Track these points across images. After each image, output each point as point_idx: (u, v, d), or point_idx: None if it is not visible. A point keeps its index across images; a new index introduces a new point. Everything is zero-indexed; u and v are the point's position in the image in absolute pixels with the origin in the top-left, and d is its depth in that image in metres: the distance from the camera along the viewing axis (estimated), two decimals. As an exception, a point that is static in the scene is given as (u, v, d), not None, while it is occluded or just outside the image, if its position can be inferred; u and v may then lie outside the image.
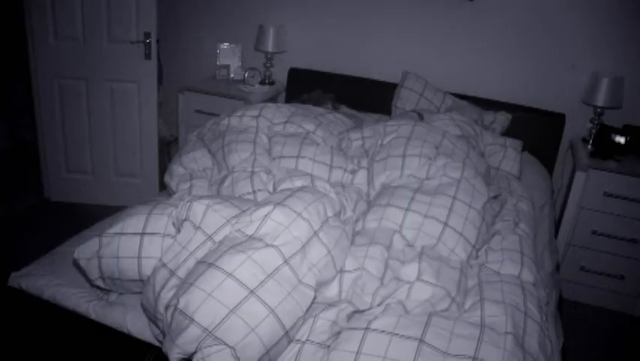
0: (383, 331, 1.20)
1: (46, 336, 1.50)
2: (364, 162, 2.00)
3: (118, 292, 1.48)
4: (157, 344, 1.35)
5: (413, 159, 1.89)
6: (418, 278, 1.37)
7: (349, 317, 1.30)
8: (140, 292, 1.40)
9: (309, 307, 1.27)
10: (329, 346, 1.23)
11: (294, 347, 1.22)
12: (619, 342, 2.47)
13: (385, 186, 1.85)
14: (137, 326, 1.40)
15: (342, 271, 1.41)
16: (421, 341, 1.17)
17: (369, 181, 1.92)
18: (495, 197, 1.92)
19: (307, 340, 1.23)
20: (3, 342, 1.51)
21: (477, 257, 1.63)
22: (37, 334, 1.51)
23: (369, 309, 1.32)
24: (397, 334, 1.19)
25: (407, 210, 1.64)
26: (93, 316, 1.44)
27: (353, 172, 1.96)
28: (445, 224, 1.60)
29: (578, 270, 2.65)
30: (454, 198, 1.67)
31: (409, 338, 1.18)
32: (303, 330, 1.25)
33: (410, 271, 1.41)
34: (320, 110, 2.34)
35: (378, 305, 1.32)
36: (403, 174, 1.86)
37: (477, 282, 1.47)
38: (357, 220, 1.70)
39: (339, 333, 1.26)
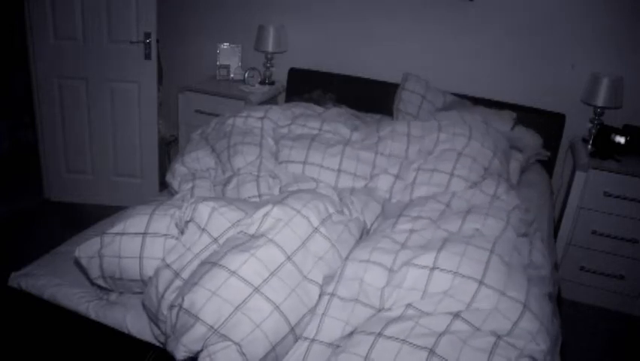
0: (395, 338, 1.18)
1: (46, 336, 1.50)
2: (394, 169, 1.96)
3: (118, 291, 1.48)
4: (157, 344, 1.36)
5: (459, 181, 1.89)
6: (435, 266, 1.33)
7: (366, 318, 1.28)
8: (141, 293, 1.41)
9: (315, 304, 1.27)
10: (338, 346, 1.22)
11: (301, 345, 1.22)
12: (619, 342, 2.47)
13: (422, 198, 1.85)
14: (137, 326, 1.40)
15: (346, 264, 1.40)
16: (431, 351, 1.15)
17: (407, 188, 1.90)
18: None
19: (315, 339, 1.23)
20: (3, 342, 1.51)
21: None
22: (37, 334, 1.50)
23: (383, 308, 1.30)
24: (409, 342, 1.17)
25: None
26: (93, 316, 1.44)
27: (374, 176, 1.94)
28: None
29: (578, 270, 2.65)
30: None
31: (419, 347, 1.16)
32: (310, 328, 1.25)
33: (427, 257, 1.37)
34: (322, 109, 2.37)
35: (393, 303, 1.30)
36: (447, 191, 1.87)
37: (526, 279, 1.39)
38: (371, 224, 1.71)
39: (352, 334, 1.25)
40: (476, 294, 1.28)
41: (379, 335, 1.19)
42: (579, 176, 2.51)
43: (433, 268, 1.33)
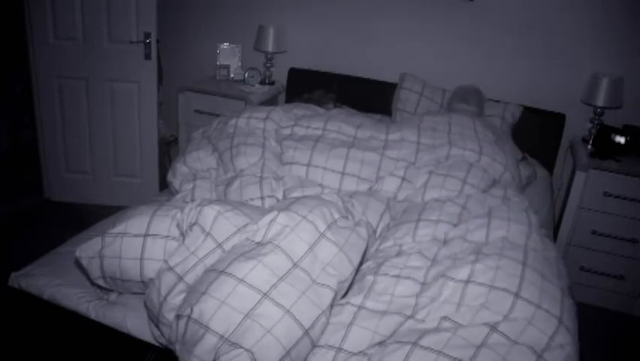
0: (431, 348, 1.17)
1: (47, 336, 1.50)
2: (401, 171, 1.96)
3: (118, 291, 1.48)
4: (157, 344, 1.35)
5: (471, 188, 1.92)
6: (470, 280, 1.32)
7: (396, 325, 1.27)
8: (141, 293, 1.40)
9: (329, 306, 1.25)
10: (366, 354, 1.20)
11: (326, 354, 1.20)
12: (619, 342, 2.47)
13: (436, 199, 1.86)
14: (137, 326, 1.40)
15: (376, 280, 1.40)
16: None
17: (418, 191, 1.91)
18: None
19: (341, 348, 1.21)
20: (3, 342, 1.51)
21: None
22: (37, 334, 1.50)
23: (413, 317, 1.29)
24: (445, 353, 1.15)
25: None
26: (93, 316, 1.44)
27: (379, 179, 1.93)
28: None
29: (578, 270, 2.65)
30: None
31: (456, 359, 1.14)
32: (336, 337, 1.23)
33: (462, 271, 1.37)
34: (323, 110, 2.37)
35: (426, 315, 1.29)
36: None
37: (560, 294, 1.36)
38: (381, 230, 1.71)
39: (383, 343, 1.23)
40: (513, 307, 1.26)
41: (415, 344, 1.18)
42: (579, 176, 2.51)
43: (467, 282, 1.33)
